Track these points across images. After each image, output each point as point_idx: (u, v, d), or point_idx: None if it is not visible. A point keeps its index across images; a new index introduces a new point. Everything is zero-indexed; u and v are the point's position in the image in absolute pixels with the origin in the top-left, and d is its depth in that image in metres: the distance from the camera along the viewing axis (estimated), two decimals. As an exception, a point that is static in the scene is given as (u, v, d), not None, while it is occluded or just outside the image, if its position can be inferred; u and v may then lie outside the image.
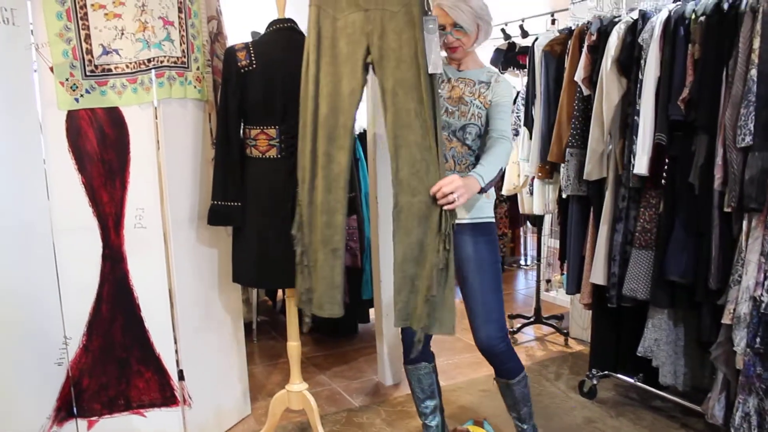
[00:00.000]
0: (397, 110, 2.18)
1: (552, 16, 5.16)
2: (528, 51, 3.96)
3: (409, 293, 2.23)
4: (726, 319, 2.51)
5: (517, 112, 4.12)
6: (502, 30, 5.64)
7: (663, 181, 2.73)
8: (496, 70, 2.46)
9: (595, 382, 3.26)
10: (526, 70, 4.65)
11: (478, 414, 3.16)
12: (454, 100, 2.39)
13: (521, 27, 5.48)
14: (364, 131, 3.93)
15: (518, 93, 4.32)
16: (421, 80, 2.15)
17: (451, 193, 2.12)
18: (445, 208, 2.16)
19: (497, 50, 5.77)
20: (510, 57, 5.53)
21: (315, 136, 2.28)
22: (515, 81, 5.86)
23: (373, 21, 2.19)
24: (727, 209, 2.50)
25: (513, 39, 5.57)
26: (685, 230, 2.66)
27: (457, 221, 2.30)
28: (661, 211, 2.77)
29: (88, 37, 2.48)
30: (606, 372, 3.26)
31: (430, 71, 2.13)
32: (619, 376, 3.24)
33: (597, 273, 3.00)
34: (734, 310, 2.47)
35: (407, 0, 2.15)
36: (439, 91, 2.33)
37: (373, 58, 2.22)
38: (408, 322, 2.25)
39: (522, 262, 6.23)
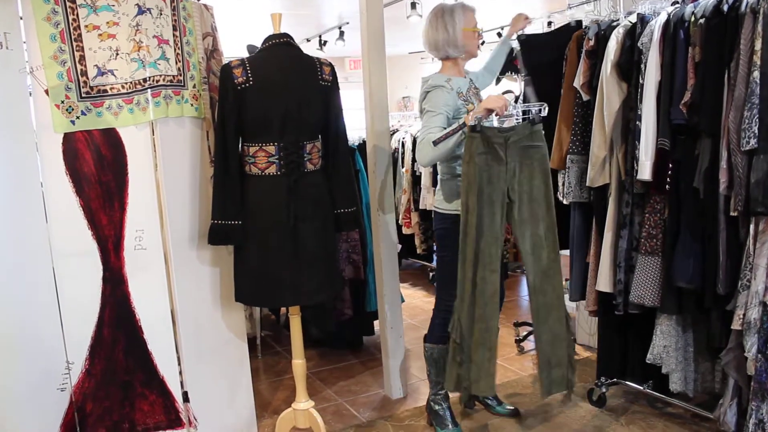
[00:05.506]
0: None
1: (548, 18, 5.15)
2: (526, 56, 3.94)
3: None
4: (736, 325, 2.47)
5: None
6: (498, 34, 5.63)
7: (667, 186, 2.69)
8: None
9: (604, 390, 3.22)
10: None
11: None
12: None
13: (518, 31, 5.46)
14: (363, 142, 3.91)
15: (517, 98, 4.29)
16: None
17: None
18: None
19: (494, 55, 5.74)
20: (507, 61, 5.49)
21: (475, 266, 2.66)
22: (513, 86, 5.84)
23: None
24: (733, 213, 2.47)
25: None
26: (692, 235, 2.63)
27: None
28: (666, 217, 2.74)
29: (82, 58, 2.45)
30: (615, 379, 3.22)
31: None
32: (628, 383, 3.20)
33: (603, 280, 2.97)
34: (744, 315, 2.44)
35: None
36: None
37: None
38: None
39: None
